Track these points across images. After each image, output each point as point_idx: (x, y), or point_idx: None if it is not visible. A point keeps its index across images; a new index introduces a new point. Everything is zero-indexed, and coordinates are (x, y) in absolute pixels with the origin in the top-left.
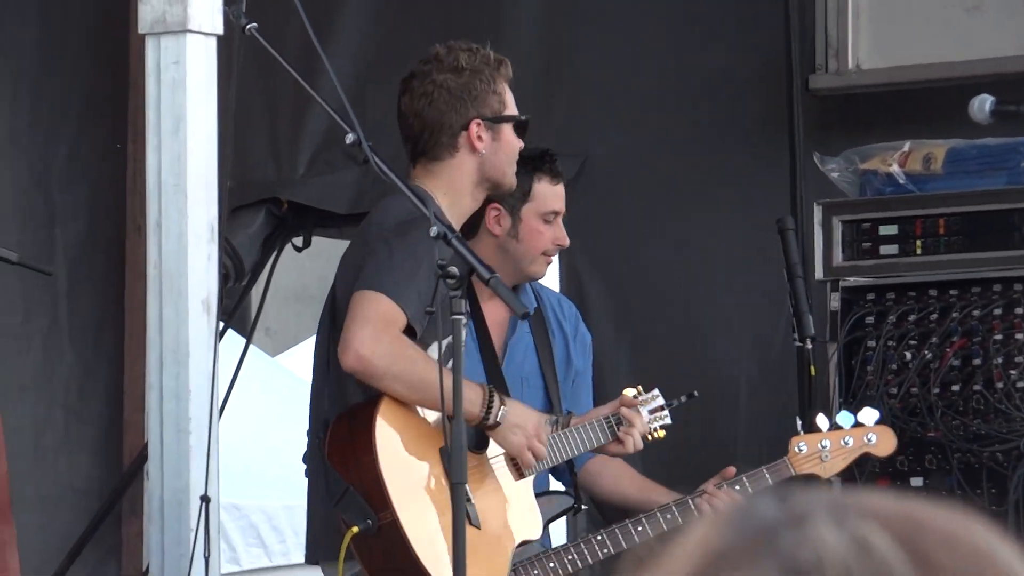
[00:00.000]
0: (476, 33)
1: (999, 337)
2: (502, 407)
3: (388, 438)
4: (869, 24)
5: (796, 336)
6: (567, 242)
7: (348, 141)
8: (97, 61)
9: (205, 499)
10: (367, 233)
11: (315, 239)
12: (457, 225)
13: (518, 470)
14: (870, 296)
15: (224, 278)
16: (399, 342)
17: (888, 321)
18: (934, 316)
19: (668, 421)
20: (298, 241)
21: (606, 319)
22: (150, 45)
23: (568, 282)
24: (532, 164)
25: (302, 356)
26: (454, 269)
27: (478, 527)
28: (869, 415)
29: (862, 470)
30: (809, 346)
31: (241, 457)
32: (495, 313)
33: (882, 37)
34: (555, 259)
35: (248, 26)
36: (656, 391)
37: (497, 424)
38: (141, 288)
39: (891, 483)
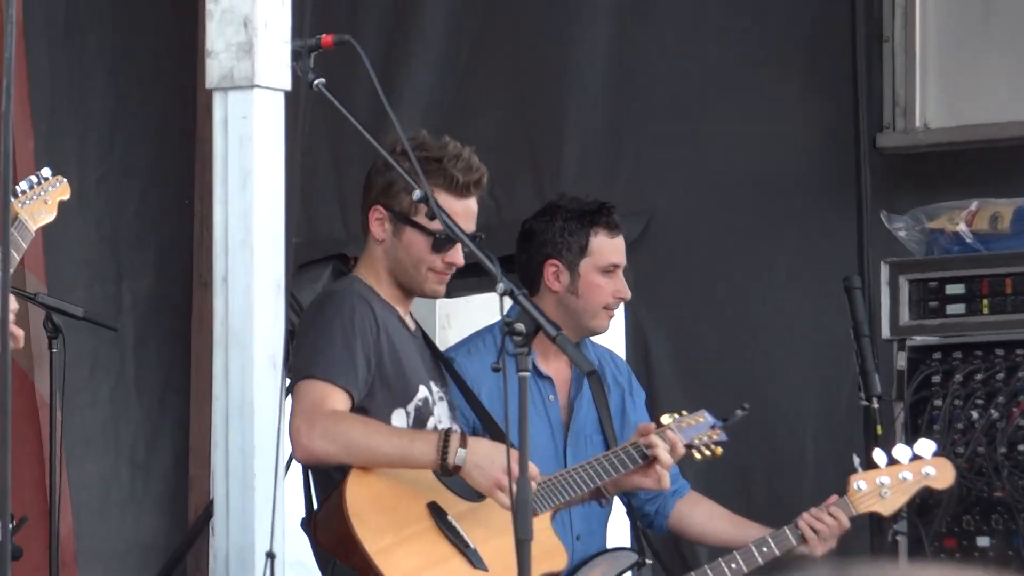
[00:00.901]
0: (541, 96)
1: None
2: (460, 449)
3: (361, 508)
4: (936, 82)
5: (862, 395)
6: (628, 294)
7: (415, 198)
8: (165, 117)
9: (270, 555)
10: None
11: None
12: (397, 302)
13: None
14: (936, 355)
15: (290, 334)
16: (331, 421)
17: (955, 380)
18: (1001, 375)
19: (724, 438)
20: None
21: (672, 376)
22: (218, 100)
23: (634, 339)
24: (589, 218)
25: None
26: (520, 326)
27: (485, 569)
28: (926, 447)
29: (928, 530)
30: (876, 405)
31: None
32: (559, 371)
33: (949, 96)
34: (620, 316)
35: (316, 81)
36: (702, 412)
37: (458, 467)
38: (207, 344)
39: (958, 543)
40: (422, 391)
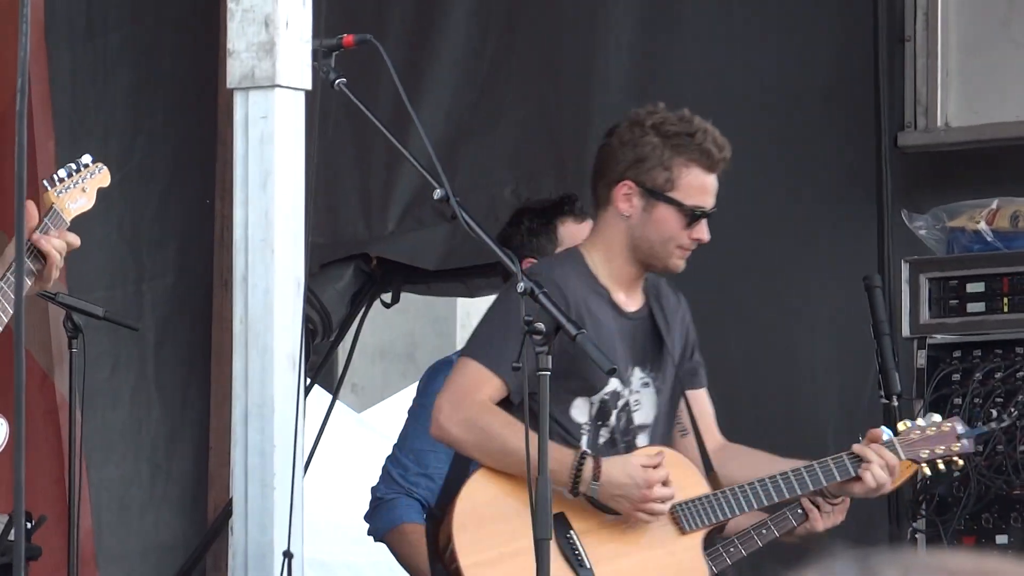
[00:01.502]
0: (567, 94)
1: None
2: (592, 483)
3: (469, 516)
4: (958, 82)
5: (883, 393)
6: None
7: (436, 196)
8: (186, 116)
9: (288, 555)
10: None
11: (403, 295)
12: (616, 284)
13: (678, 525)
14: (956, 353)
15: (312, 334)
16: (478, 409)
17: (974, 378)
18: (1021, 374)
19: (968, 449)
20: (387, 297)
21: None
22: (238, 100)
23: None
24: (552, 211)
25: (388, 413)
26: (540, 325)
27: None
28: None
29: (947, 528)
30: (896, 403)
31: (326, 513)
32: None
33: (971, 95)
34: None
35: (337, 81)
36: (953, 420)
37: (590, 497)
38: (228, 343)
39: (976, 541)
40: (612, 383)
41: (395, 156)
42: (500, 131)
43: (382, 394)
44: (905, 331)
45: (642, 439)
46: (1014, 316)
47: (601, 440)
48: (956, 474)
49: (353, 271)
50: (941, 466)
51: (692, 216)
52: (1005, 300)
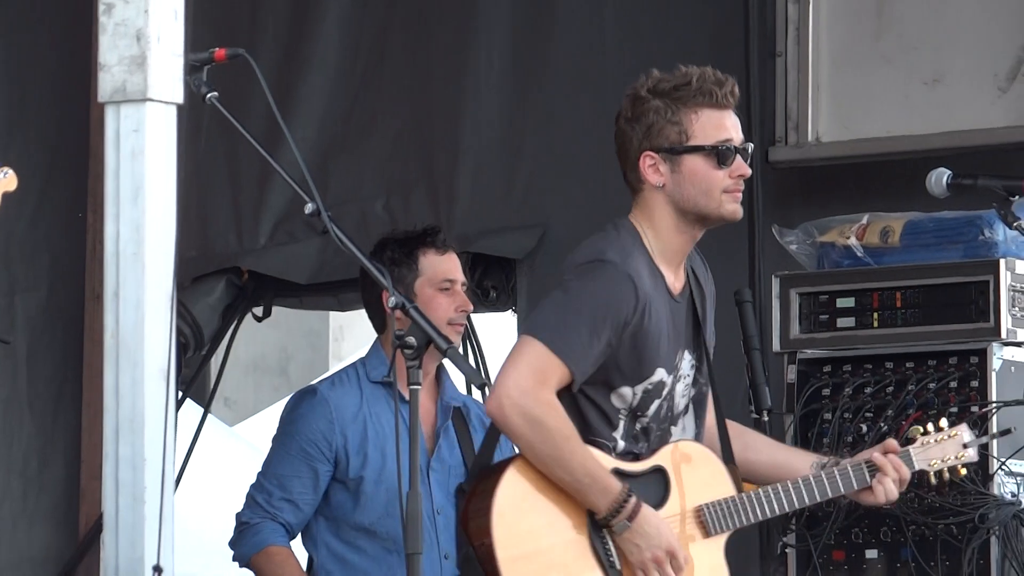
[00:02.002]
0: (439, 108)
1: (954, 410)
2: (626, 522)
3: (510, 505)
4: (828, 97)
5: (753, 408)
6: (471, 307)
7: (307, 211)
8: (59, 131)
9: (158, 569)
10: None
11: (275, 309)
12: (666, 263)
13: (703, 528)
14: (826, 368)
15: (183, 347)
16: (543, 410)
17: (844, 393)
18: (890, 389)
19: (973, 459)
20: (258, 311)
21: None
22: (110, 113)
23: None
24: (414, 242)
25: (260, 426)
26: (412, 339)
27: None
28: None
29: (817, 543)
30: (766, 418)
31: (198, 527)
32: (423, 403)
33: (841, 110)
34: (512, 329)
35: (209, 95)
36: (960, 427)
37: (611, 529)
38: (99, 357)
39: (846, 556)
40: (658, 374)
41: (267, 170)
42: (371, 145)
43: (254, 407)
44: (775, 346)
45: (688, 420)
46: (883, 331)
47: (637, 427)
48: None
49: (225, 285)
50: (947, 475)
51: (719, 154)
52: (875, 315)
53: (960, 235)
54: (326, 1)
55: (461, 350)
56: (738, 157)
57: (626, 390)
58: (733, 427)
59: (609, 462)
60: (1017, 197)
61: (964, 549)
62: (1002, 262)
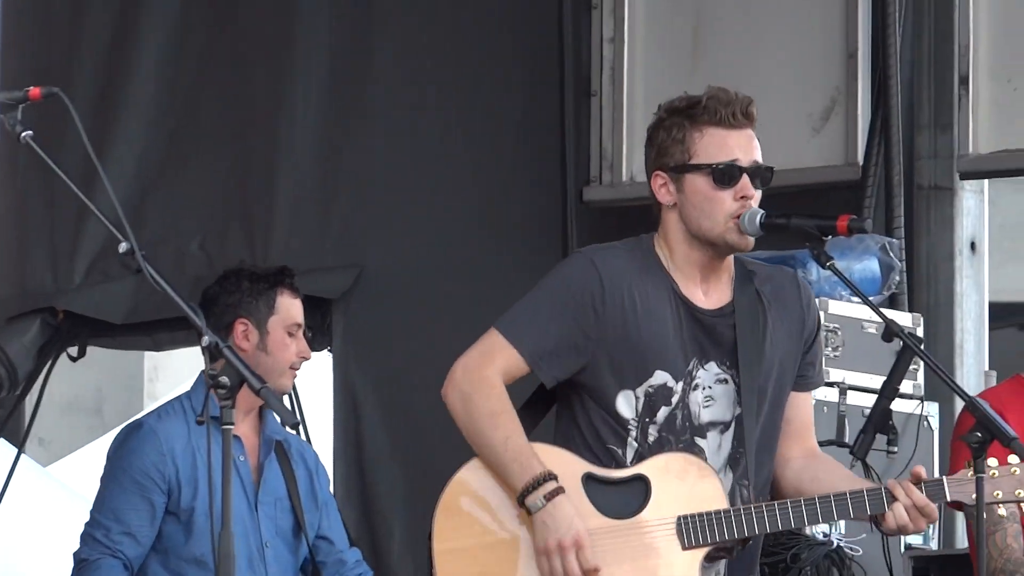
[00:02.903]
0: (256, 148)
1: None
2: (542, 499)
3: (458, 499)
4: (643, 137)
5: None
6: (311, 355)
7: (121, 250)
8: None
9: None
10: None
11: (90, 349)
12: (688, 277)
13: (680, 538)
14: None
15: None
16: (479, 388)
17: None
18: None
19: None
20: (73, 351)
21: (380, 432)
22: None
23: (342, 392)
24: (274, 278)
25: (75, 466)
26: (225, 379)
27: None
28: None
29: None
30: None
31: (11, 566)
32: (247, 436)
33: None
34: (328, 368)
35: (24, 134)
36: (1013, 462)
37: (529, 512)
38: None
39: None
40: (658, 376)
41: (84, 209)
42: (188, 185)
43: (69, 447)
44: None
45: (712, 436)
46: None
47: (651, 438)
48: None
49: (40, 324)
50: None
51: (716, 173)
52: None
53: None
54: (144, 41)
55: None
56: (744, 177)
57: (628, 393)
58: (816, 459)
59: (584, 466)
60: (831, 237)
61: None
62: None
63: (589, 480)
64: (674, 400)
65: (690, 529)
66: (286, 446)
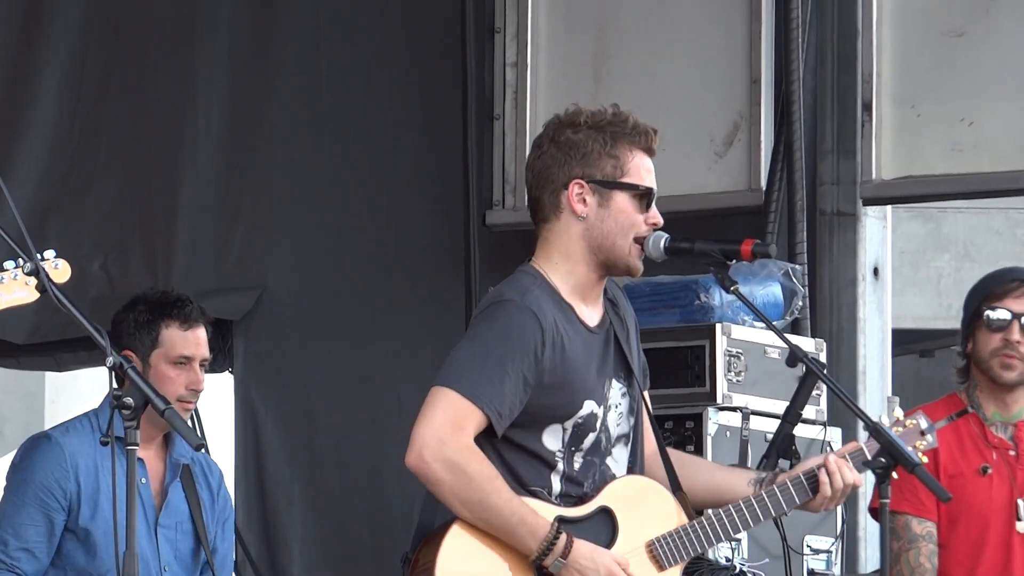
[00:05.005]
0: (157, 163)
1: None
2: (559, 560)
3: (455, 554)
4: None
5: None
6: (202, 386)
7: (26, 270)
8: None
9: None
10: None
11: None
12: (578, 297)
13: (657, 561)
14: None
15: None
16: (463, 456)
17: None
18: None
19: (933, 444)
20: None
21: (281, 454)
22: None
23: (243, 414)
24: (161, 310)
25: None
26: (129, 400)
27: None
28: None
29: None
30: None
31: None
32: (151, 459)
33: None
34: (228, 389)
35: None
36: (916, 413)
37: (549, 570)
38: None
39: None
40: (587, 407)
41: None
42: (89, 206)
43: None
44: None
45: (619, 451)
46: None
47: (576, 465)
48: None
49: None
50: (924, 459)
51: (641, 196)
52: None
53: (676, 299)
54: (44, 62)
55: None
56: (654, 206)
57: (556, 428)
58: (674, 454)
59: (551, 510)
60: (735, 261)
61: None
62: (718, 327)
63: (562, 524)
64: (597, 425)
65: (664, 550)
66: (193, 468)
